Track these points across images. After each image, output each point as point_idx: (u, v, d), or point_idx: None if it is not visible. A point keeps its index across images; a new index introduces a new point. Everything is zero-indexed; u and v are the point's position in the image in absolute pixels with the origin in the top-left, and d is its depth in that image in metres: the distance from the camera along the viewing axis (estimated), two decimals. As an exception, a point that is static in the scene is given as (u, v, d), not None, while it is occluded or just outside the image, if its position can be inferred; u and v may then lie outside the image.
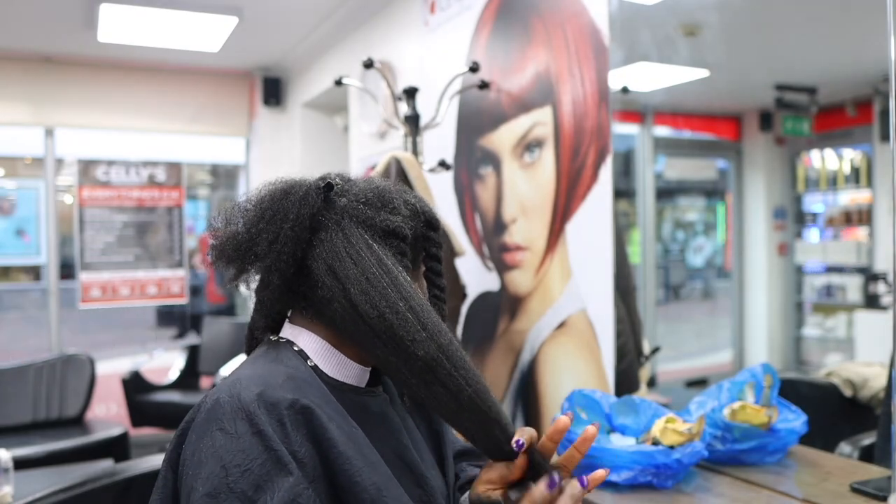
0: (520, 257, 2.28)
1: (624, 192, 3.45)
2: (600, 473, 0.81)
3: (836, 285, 3.81)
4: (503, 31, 2.36)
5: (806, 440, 1.61)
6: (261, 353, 0.87)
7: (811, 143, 4.00)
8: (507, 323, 2.36)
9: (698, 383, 3.39)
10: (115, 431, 3.50)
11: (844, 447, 1.89)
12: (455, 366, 0.79)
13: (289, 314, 0.91)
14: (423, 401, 0.82)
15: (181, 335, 6.81)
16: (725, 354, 4.20)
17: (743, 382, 1.66)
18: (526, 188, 2.25)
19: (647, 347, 2.37)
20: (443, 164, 2.29)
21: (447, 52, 2.68)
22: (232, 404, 0.76)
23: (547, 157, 2.16)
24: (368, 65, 2.22)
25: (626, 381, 2.00)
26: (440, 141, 2.66)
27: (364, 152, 3.60)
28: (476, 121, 2.49)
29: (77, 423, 3.73)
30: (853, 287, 3.69)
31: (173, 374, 4.47)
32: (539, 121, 2.18)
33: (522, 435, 0.81)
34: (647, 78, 2.87)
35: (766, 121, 4.02)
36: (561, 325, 2.12)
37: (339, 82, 2.35)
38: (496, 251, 2.40)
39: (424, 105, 2.40)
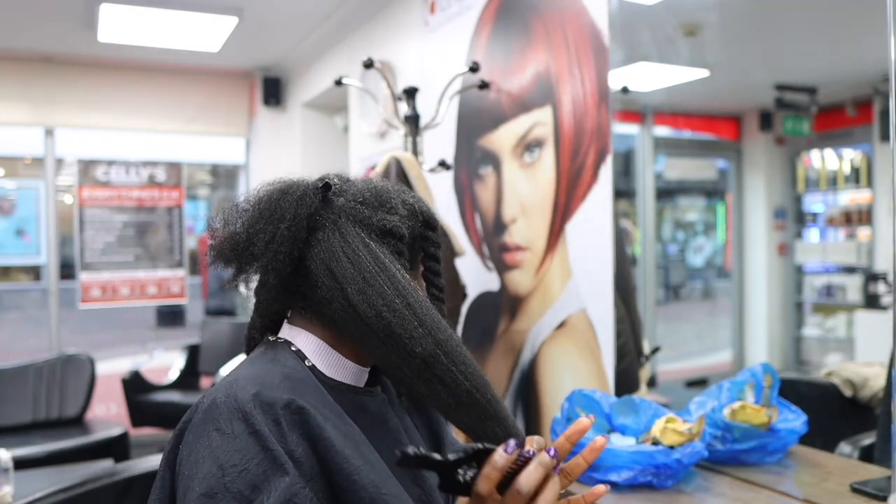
0: (520, 257, 2.28)
1: (624, 192, 3.45)
2: (600, 489, 0.81)
3: (836, 285, 3.81)
4: (503, 31, 2.36)
5: (806, 440, 1.61)
6: (258, 353, 0.87)
7: (811, 143, 4.00)
8: (508, 323, 2.36)
9: (698, 383, 3.39)
10: (115, 431, 3.50)
11: (844, 447, 1.89)
12: (453, 361, 0.80)
13: (287, 314, 0.91)
14: (423, 398, 0.82)
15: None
16: (725, 354, 4.20)
17: (743, 382, 1.66)
18: (526, 188, 2.25)
19: (647, 347, 2.37)
20: (443, 164, 2.29)
21: (447, 52, 2.68)
22: (228, 404, 0.76)
23: (547, 157, 2.16)
24: (368, 65, 2.22)
25: (626, 381, 2.00)
26: (440, 141, 2.66)
27: (364, 152, 3.60)
28: (476, 121, 2.49)
29: (77, 423, 3.73)
30: (853, 287, 3.69)
31: (173, 374, 4.47)
32: (539, 121, 2.18)
33: (532, 445, 0.81)
34: (647, 78, 2.87)
35: (766, 121, 4.02)
36: (561, 325, 2.12)
37: (339, 82, 2.35)
38: (496, 251, 2.40)
39: (424, 105, 2.40)
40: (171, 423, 4.02)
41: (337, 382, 0.86)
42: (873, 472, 1.50)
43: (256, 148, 4.95)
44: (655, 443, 1.49)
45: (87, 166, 4.38)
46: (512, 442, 0.71)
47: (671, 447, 1.45)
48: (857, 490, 1.36)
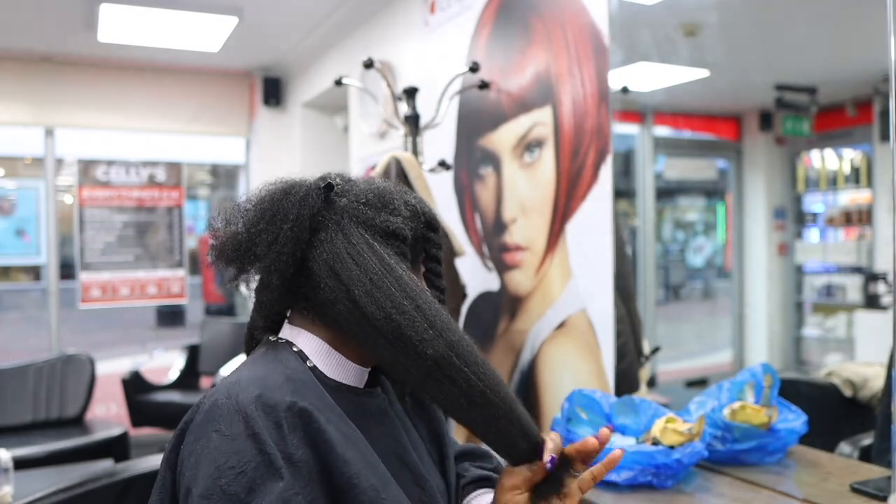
0: (520, 257, 2.28)
1: (624, 192, 3.45)
2: (617, 454, 0.84)
3: (836, 285, 3.81)
4: (503, 31, 2.36)
5: (806, 440, 1.61)
6: (260, 354, 0.87)
7: (811, 143, 4.00)
8: (507, 323, 2.36)
9: (698, 383, 3.38)
10: (115, 431, 3.50)
11: (844, 447, 1.89)
12: (466, 362, 0.80)
13: (288, 314, 0.91)
14: (433, 400, 0.82)
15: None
16: (725, 354, 4.20)
17: (743, 382, 1.66)
18: (526, 188, 2.25)
19: (647, 347, 2.37)
20: (443, 164, 2.29)
21: (447, 52, 2.68)
22: (229, 406, 0.76)
23: (547, 157, 2.16)
24: (368, 65, 2.22)
25: (626, 381, 2.00)
26: (440, 141, 2.66)
27: (364, 152, 3.60)
28: (476, 121, 2.49)
29: (77, 423, 3.73)
30: (853, 287, 3.69)
31: (173, 374, 4.47)
32: (539, 121, 2.18)
33: (552, 448, 0.82)
34: (647, 78, 2.87)
35: (766, 121, 4.02)
36: (561, 325, 2.12)
37: (339, 82, 2.35)
38: (496, 251, 2.40)
39: (424, 105, 2.40)
40: (171, 423, 4.02)
41: (338, 383, 0.86)
42: (873, 472, 1.50)
43: (256, 148, 4.95)
44: (655, 443, 1.49)
45: (87, 166, 4.38)
46: (550, 458, 0.80)
47: (671, 447, 1.45)
48: (857, 490, 1.36)
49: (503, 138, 2.34)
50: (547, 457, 0.83)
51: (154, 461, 1.63)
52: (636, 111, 3.39)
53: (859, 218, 3.80)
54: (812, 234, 4.11)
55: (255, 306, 0.90)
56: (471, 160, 2.52)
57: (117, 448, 3.43)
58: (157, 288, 4.52)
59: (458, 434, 2.09)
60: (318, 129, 4.63)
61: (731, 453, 1.55)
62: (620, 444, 1.56)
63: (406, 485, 0.83)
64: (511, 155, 2.31)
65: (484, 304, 2.46)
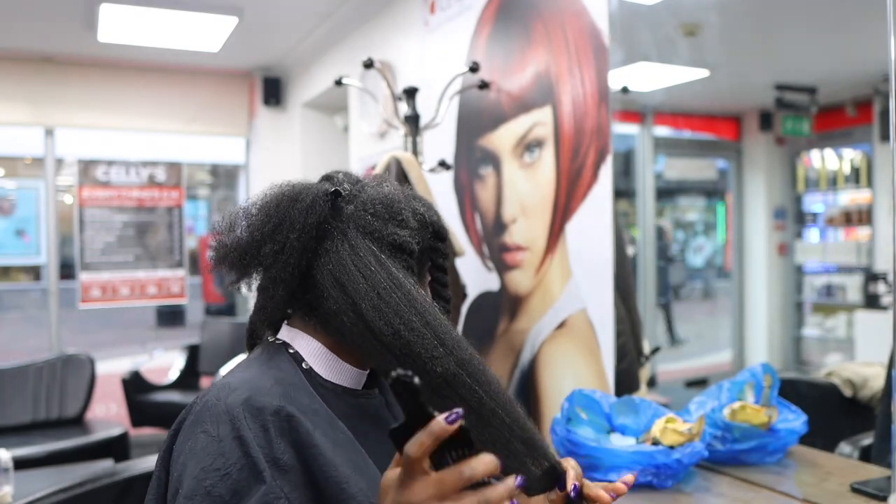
0: (520, 257, 2.28)
1: (624, 192, 3.45)
2: (622, 489, 0.82)
3: (836, 285, 3.81)
4: (503, 31, 2.36)
5: (806, 440, 1.61)
6: (255, 355, 0.86)
7: (811, 143, 4.00)
8: (508, 323, 2.36)
9: (698, 383, 3.39)
10: (115, 431, 3.50)
11: (844, 447, 1.89)
12: (477, 381, 0.78)
13: (288, 313, 0.90)
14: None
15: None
16: (725, 354, 4.20)
17: (743, 382, 1.66)
18: (526, 188, 2.25)
19: (647, 347, 2.37)
20: (443, 164, 2.29)
21: (447, 52, 2.68)
22: (218, 408, 0.75)
23: (547, 157, 2.16)
24: (368, 65, 2.22)
25: (626, 381, 2.00)
26: (440, 141, 2.66)
27: (364, 152, 3.60)
28: (476, 121, 2.49)
29: (77, 423, 3.73)
30: (853, 287, 3.69)
31: (173, 374, 4.47)
32: (539, 121, 2.19)
33: (574, 476, 0.80)
34: (647, 78, 2.87)
35: (766, 121, 4.02)
36: (561, 324, 2.12)
37: (339, 82, 2.35)
38: (496, 251, 2.40)
39: (424, 105, 2.40)
40: (170, 424, 3.96)
41: (335, 385, 0.85)
42: (873, 472, 1.50)
43: (256, 148, 4.95)
44: (655, 443, 1.49)
45: (87, 166, 4.38)
46: (455, 412, 0.59)
47: (671, 447, 1.45)
48: (857, 490, 1.36)
49: (503, 138, 2.35)
50: (570, 485, 0.80)
51: (154, 461, 1.63)
52: (636, 111, 3.39)
53: (859, 218, 3.80)
54: (812, 234, 4.11)
55: (256, 307, 0.89)
56: (471, 160, 2.52)
57: (117, 448, 3.43)
58: (157, 288, 4.52)
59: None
60: (318, 129, 4.63)
61: (731, 453, 1.55)
62: (620, 444, 1.56)
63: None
64: (511, 155, 2.31)
65: (484, 304, 2.46)
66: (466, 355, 0.79)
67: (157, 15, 3.48)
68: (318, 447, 0.76)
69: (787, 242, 4.08)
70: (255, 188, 4.98)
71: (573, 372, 2.07)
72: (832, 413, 2.20)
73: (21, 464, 2.55)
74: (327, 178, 0.90)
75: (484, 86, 2.33)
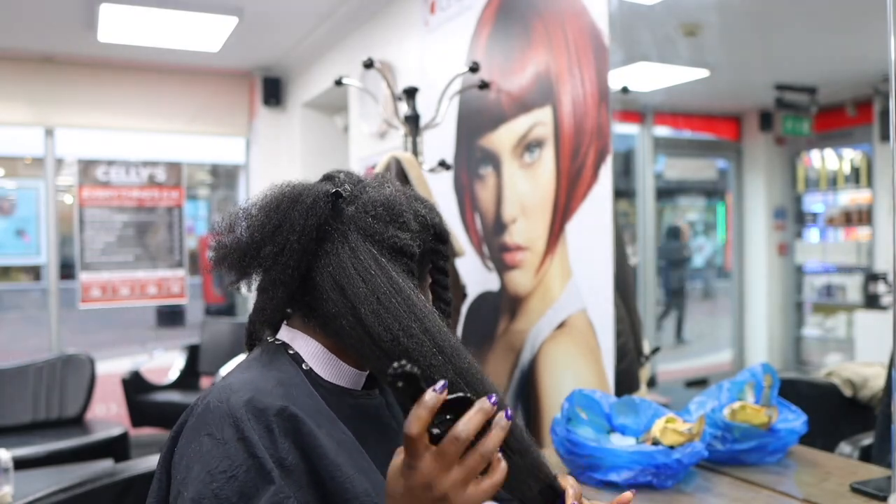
0: (520, 257, 2.28)
1: (624, 192, 3.45)
2: (627, 497, 0.81)
3: (836, 285, 3.81)
4: (503, 31, 2.36)
5: (806, 440, 1.61)
6: (255, 356, 0.86)
7: (811, 143, 4.00)
8: (507, 323, 2.36)
9: (698, 383, 3.39)
10: (115, 431, 3.50)
11: (844, 447, 1.89)
12: (475, 391, 0.77)
13: (288, 314, 0.90)
14: None
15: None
16: (725, 354, 4.20)
17: (743, 382, 1.66)
18: (526, 188, 2.25)
19: (647, 347, 2.37)
20: (443, 164, 2.29)
21: (447, 52, 2.68)
22: (220, 410, 0.75)
23: (547, 157, 2.16)
24: (368, 65, 2.22)
25: (626, 381, 2.00)
26: (440, 141, 2.66)
27: (364, 152, 3.60)
28: (476, 121, 2.49)
29: (77, 423, 3.73)
30: (853, 287, 3.69)
31: (173, 374, 4.47)
32: (539, 121, 2.18)
33: (573, 494, 0.78)
34: (647, 78, 2.87)
35: (766, 121, 4.02)
36: (561, 325, 2.12)
37: (339, 82, 2.35)
38: (496, 251, 2.40)
39: (424, 105, 2.40)
40: (171, 424, 4.01)
41: (334, 386, 0.85)
42: (873, 472, 1.50)
43: (256, 148, 4.95)
44: (655, 443, 1.49)
45: (87, 166, 4.38)
46: (442, 382, 0.64)
47: (671, 447, 1.45)
48: (857, 490, 1.36)
49: (503, 138, 2.34)
50: (569, 500, 0.79)
51: (154, 461, 1.62)
52: (636, 111, 3.39)
53: (859, 218, 3.80)
54: (812, 234, 4.11)
55: (255, 308, 0.89)
56: (471, 160, 2.52)
57: (117, 448, 3.43)
58: (157, 288, 4.52)
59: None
60: (318, 129, 4.63)
61: (731, 453, 1.55)
62: (620, 444, 1.56)
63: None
64: (511, 155, 2.31)
65: (484, 304, 2.46)
66: (465, 364, 0.78)
67: (157, 15, 3.48)
68: (322, 447, 0.75)
69: (787, 242, 4.08)
70: (255, 188, 4.98)
71: (573, 372, 2.07)
72: (832, 413, 2.20)
73: (21, 464, 2.55)
74: (328, 177, 0.90)
75: (484, 86, 2.33)
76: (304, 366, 0.84)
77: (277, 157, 4.83)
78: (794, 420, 1.58)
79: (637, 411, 1.63)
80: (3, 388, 3.65)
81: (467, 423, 0.64)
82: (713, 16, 2.68)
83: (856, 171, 3.88)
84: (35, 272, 9.88)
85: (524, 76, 2.25)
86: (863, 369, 2.21)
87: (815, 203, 4.10)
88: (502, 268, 2.37)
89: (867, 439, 1.90)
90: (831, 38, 2.93)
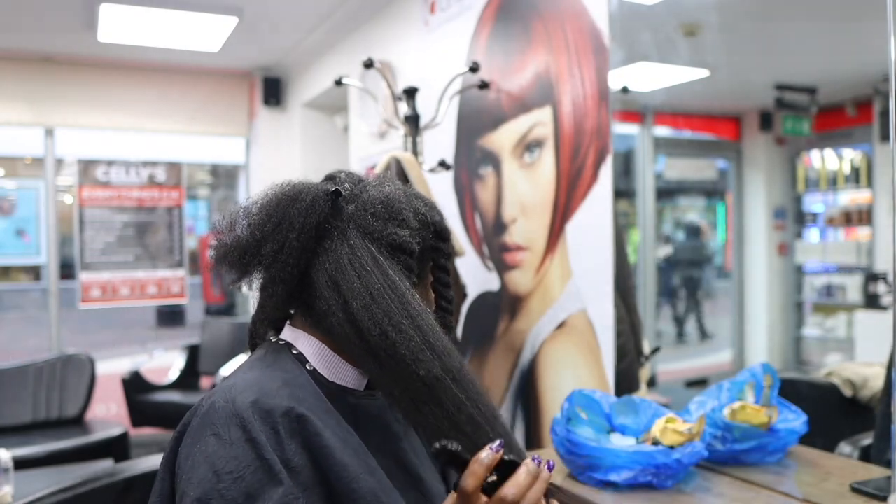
0: (520, 257, 2.28)
1: (624, 192, 3.45)
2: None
3: (836, 285, 3.81)
4: (503, 31, 2.36)
5: (806, 440, 1.61)
6: (259, 356, 0.86)
7: (811, 143, 4.00)
8: (508, 323, 2.36)
9: (698, 383, 3.39)
10: (115, 431, 3.50)
11: (844, 447, 1.89)
12: (462, 388, 0.77)
13: (290, 313, 0.90)
14: (411, 417, 0.79)
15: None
16: (725, 354, 4.20)
17: (743, 382, 1.66)
18: (526, 188, 2.25)
19: (647, 347, 2.38)
20: (443, 164, 2.29)
21: (447, 52, 2.68)
22: (226, 410, 0.75)
23: (547, 157, 2.16)
24: (368, 65, 2.22)
25: (626, 381, 2.00)
26: (440, 141, 2.66)
27: (364, 152, 3.60)
28: (476, 121, 2.49)
29: (77, 423, 3.73)
30: (853, 287, 3.69)
31: (173, 374, 4.47)
32: (539, 121, 2.19)
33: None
34: (647, 78, 2.87)
35: (766, 121, 4.02)
36: (561, 324, 2.12)
37: (339, 82, 2.35)
38: (496, 251, 2.40)
39: (424, 105, 2.40)
40: (171, 423, 4.02)
41: (338, 386, 0.85)
42: (873, 472, 1.50)
43: (256, 148, 4.95)
44: (655, 443, 1.49)
45: (87, 166, 4.38)
46: (498, 441, 0.71)
47: (671, 447, 1.45)
48: (857, 490, 1.36)
49: (503, 138, 2.35)
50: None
51: (154, 461, 1.63)
52: (636, 111, 3.39)
53: (859, 218, 3.80)
54: (812, 234, 4.11)
55: (257, 307, 0.89)
56: (471, 160, 2.52)
57: (117, 448, 3.43)
58: (157, 288, 4.52)
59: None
60: (318, 129, 4.63)
61: (731, 453, 1.55)
62: (620, 444, 1.56)
63: (404, 488, 0.83)
64: (511, 155, 2.31)
65: (484, 304, 2.46)
66: (455, 364, 0.78)
67: (157, 15, 3.48)
68: (329, 447, 0.76)
69: (787, 242, 4.08)
70: (255, 188, 4.98)
71: (573, 372, 2.07)
72: (832, 413, 2.20)
73: (21, 464, 2.55)
74: (330, 177, 0.90)
75: (484, 86, 2.33)
76: (307, 366, 0.84)
77: (277, 157, 4.83)
78: (794, 420, 1.58)
79: (637, 411, 1.63)
80: (3, 388, 3.65)
81: (517, 487, 0.70)
82: (713, 16, 2.68)
83: (856, 171, 3.88)
84: (35, 272, 9.88)
85: (524, 76, 2.25)
86: (863, 369, 2.21)
87: (815, 203, 4.10)
88: (502, 268, 2.37)
89: (867, 439, 1.90)
90: (831, 39, 2.93)
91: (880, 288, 3.36)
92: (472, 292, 2.48)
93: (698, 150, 4.19)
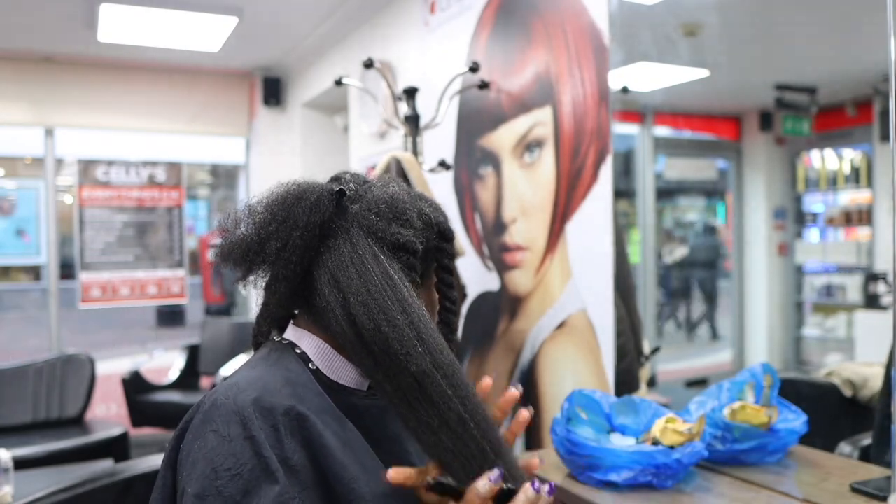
0: (520, 257, 2.28)
1: (624, 192, 3.45)
2: (524, 415, 0.81)
3: (836, 285, 3.81)
4: (503, 31, 2.36)
5: (806, 440, 1.61)
6: (262, 355, 0.86)
7: (811, 143, 4.00)
8: (508, 323, 2.36)
9: (698, 383, 3.39)
10: (115, 431, 3.50)
11: (844, 447, 1.89)
12: (452, 385, 0.76)
13: (294, 313, 0.90)
14: (406, 421, 0.78)
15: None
16: (725, 354, 4.20)
17: (743, 382, 1.66)
18: (526, 188, 2.25)
19: (647, 347, 2.37)
20: (443, 164, 2.30)
21: (447, 52, 2.68)
22: (227, 407, 0.75)
23: (547, 157, 2.16)
24: (368, 65, 2.22)
25: (626, 381, 2.00)
26: (440, 141, 2.66)
27: (364, 152, 3.60)
28: (476, 121, 2.49)
29: (77, 423, 3.73)
30: (853, 287, 3.69)
31: (173, 374, 4.47)
32: (539, 121, 2.19)
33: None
34: (647, 78, 2.87)
35: (766, 121, 4.02)
36: (561, 324, 2.12)
37: (339, 82, 2.35)
38: (496, 251, 2.40)
39: (424, 105, 2.40)
40: (171, 423, 4.02)
41: (340, 386, 0.85)
42: (873, 472, 1.50)
43: (256, 148, 4.95)
44: (655, 443, 1.49)
45: (87, 166, 4.38)
46: (497, 472, 0.72)
47: (671, 447, 1.45)
48: (857, 490, 1.36)
49: (503, 138, 2.35)
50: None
51: (154, 461, 1.63)
52: (636, 111, 3.39)
53: (859, 218, 3.80)
54: (812, 234, 4.11)
55: (261, 306, 0.89)
56: (471, 160, 2.52)
57: (117, 448, 3.43)
58: (157, 288, 4.52)
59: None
60: (318, 129, 4.63)
61: (731, 453, 1.55)
62: (620, 444, 1.56)
63: (406, 491, 0.83)
64: (511, 155, 2.31)
65: (484, 304, 2.46)
66: (446, 360, 0.77)
67: (157, 15, 3.48)
68: (329, 447, 0.76)
69: (787, 242, 4.08)
70: (255, 188, 4.98)
71: (573, 372, 2.07)
72: (832, 413, 2.20)
73: (21, 464, 2.55)
74: (335, 178, 0.91)
75: (484, 86, 2.33)
76: (310, 365, 0.85)
77: (277, 157, 4.83)
78: (794, 420, 1.58)
79: (637, 411, 1.63)
80: (3, 388, 3.65)
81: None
82: (713, 16, 2.68)
83: (856, 171, 3.88)
84: (35, 272, 9.89)
85: (524, 76, 2.25)
86: (863, 369, 2.21)
87: (815, 203, 4.10)
88: (502, 268, 2.37)
89: (867, 439, 1.90)
90: (831, 38, 2.93)
91: (880, 288, 3.36)
92: (472, 292, 2.48)
93: (698, 150, 4.19)
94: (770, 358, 3.97)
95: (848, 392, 2.20)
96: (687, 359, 4.23)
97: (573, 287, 2.07)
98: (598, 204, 1.97)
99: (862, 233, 3.80)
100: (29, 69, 4.38)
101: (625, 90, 2.35)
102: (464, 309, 2.34)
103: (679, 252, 4.28)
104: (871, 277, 3.46)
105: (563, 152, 2.09)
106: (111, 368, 4.75)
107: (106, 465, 2.36)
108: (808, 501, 1.35)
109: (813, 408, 1.66)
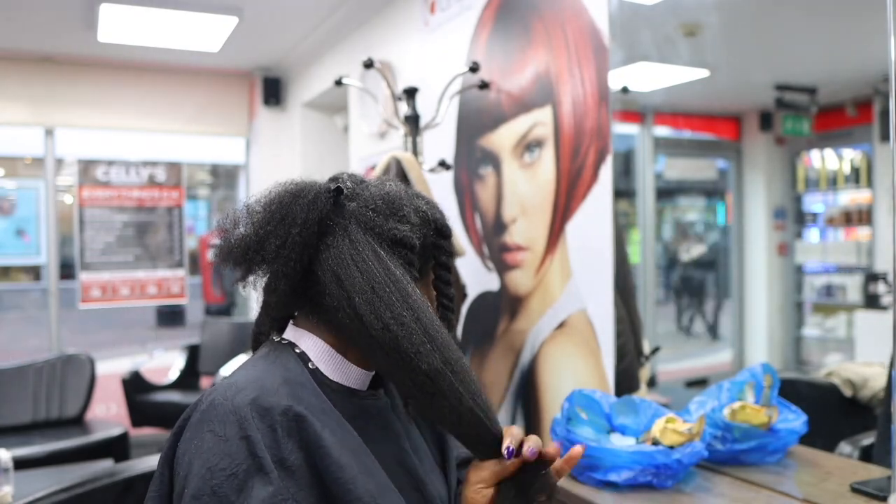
0: (520, 257, 2.28)
1: (624, 192, 3.45)
2: (577, 450, 0.85)
3: (836, 285, 3.81)
4: (503, 31, 2.36)
5: (806, 440, 1.61)
6: (261, 355, 0.86)
7: (811, 143, 4.00)
8: (508, 323, 2.36)
9: (698, 383, 3.39)
10: (115, 431, 3.50)
11: (844, 447, 1.89)
12: (460, 380, 0.79)
13: (294, 314, 0.90)
14: (425, 411, 0.82)
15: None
16: (725, 354, 4.20)
17: (743, 382, 1.66)
18: (526, 188, 2.25)
19: (647, 347, 2.37)
20: (443, 164, 2.30)
21: (447, 52, 2.68)
22: (225, 407, 0.75)
23: (547, 157, 2.16)
24: (368, 65, 2.22)
25: (626, 381, 2.00)
26: (440, 141, 2.66)
27: (364, 152, 3.60)
28: (476, 121, 2.49)
29: (77, 423, 3.73)
30: (853, 287, 3.69)
31: (173, 374, 4.47)
32: (539, 121, 2.19)
33: (510, 440, 0.81)
34: (647, 78, 2.87)
35: (766, 121, 4.02)
36: (561, 324, 2.12)
37: (339, 82, 2.35)
38: (496, 251, 2.40)
39: (424, 105, 2.40)
40: (171, 423, 4.00)
41: (340, 386, 0.85)
42: (873, 472, 1.50)
43: (256, 148, 4.95)
44: (655, 443, 1.49)
45: (87, 166, 4.38)
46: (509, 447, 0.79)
47: (671, 447, 1.46)
48: (857, 490, 1.36)
49: (503, 138, 2.35)
50: (504, 444, 0.82)
51: (154, 461, 1.62)
52: (636, 111, 3.39)
53: (859, 218, 3.80)
54: (812, 234, 4.11)
55: (262, 306, 0.89)
56: (471, 160, 2.52)
57: (117, 448, 3.43)
58: (157, 288, 4.52)
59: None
60: (318, 129, 4.63)
61: (731, 453, 1.55)
62: (620, 444, 1.56)
63: (405, 490, 0.83)
64: (511, 155, 2.31)
65: (484, 304, 2.46)
66: (454, 356, 0.80)
67: (157, 15, 3.48)
68: (326, 448, 0.76)
69: (787, 242, 4.08)
70: (255, 188, 4.98)
71: (573, 372, 2.07)
72: (832, 413, 2.20)
73: (21, 464, 2.55)
74: (333, 178, 0.92)
75: (484, 86, 2.33)
76: (310, 365, 0.85)
77: (277, 157, 4.83)
78: (794, 420, 1.58)
79: (637, 411, 1.63)
80: (3, 388, 3.65)
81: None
82: (713, 16, 2.68)
83: (856, 171, 3.88)
84: (35, 272, 9.89)
85: (524, 76, 2.25)
86: (863, 369, 2.21)
87: (815, 203, 4.10)
88: (502, 268, 2.37)
89: (867, 439, 1.90)
90: (831, 38, 2.93)
91: (880, 288, 3.36)
92: (472, 292, 2.48)
93: (698, 150, 4.19)
94: (770, 358, 3.97)
95: (848, 392, 2.20)
96: (687, 359, 4.22)
97: (573, 287, 2.07)
98: (598, 204, 1.97)
99: (862, 233, 3.80)
100: (29, 69, 4.38)
101: (625, 90, 2.35)
102: (464, 309, 2.34)
103: (696, 250, 4.28)
104: (871, 277, 3.46)
105: (563, 152, 2.09)
106: (111, 368, 4.75)
107: (106, 465, 2.36)
108: (808, 501, 1.35)
109: (813, 408, 1.66)
